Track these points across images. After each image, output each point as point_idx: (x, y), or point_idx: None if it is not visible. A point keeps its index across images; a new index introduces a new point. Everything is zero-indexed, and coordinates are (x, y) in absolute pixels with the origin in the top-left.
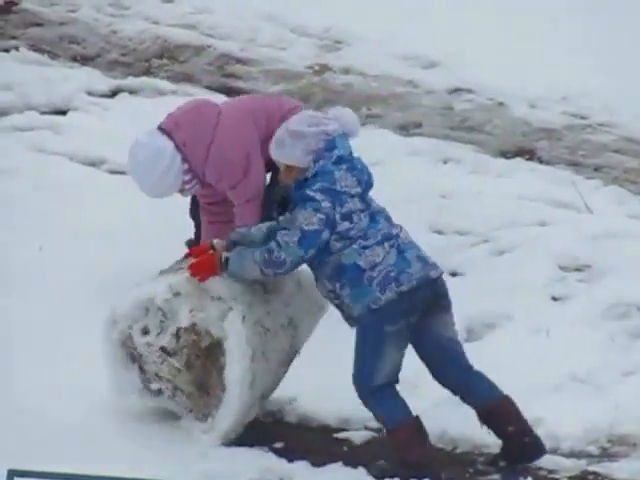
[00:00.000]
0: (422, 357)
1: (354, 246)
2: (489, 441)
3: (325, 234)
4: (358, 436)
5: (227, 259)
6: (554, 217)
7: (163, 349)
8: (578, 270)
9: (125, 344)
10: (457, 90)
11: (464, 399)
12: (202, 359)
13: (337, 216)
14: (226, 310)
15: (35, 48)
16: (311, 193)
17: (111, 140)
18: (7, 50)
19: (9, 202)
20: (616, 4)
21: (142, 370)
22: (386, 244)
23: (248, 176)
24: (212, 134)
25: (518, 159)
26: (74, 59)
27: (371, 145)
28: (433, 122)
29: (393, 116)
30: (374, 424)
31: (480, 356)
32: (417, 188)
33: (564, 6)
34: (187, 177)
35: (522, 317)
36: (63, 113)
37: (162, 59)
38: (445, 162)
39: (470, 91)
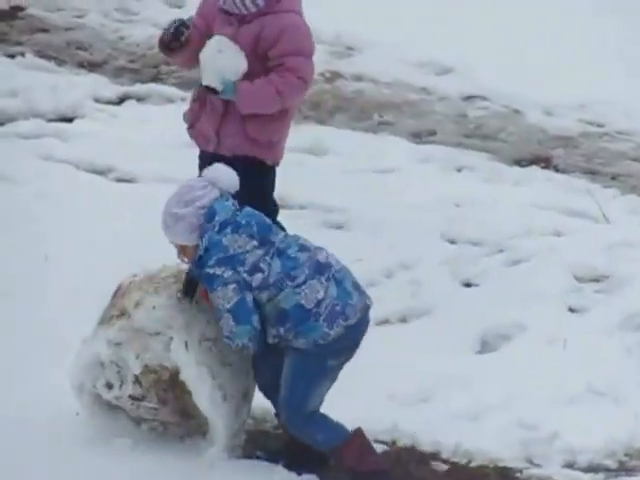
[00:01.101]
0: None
1: (286, 290)
2: (504, 454)
3: (248, 297)
4: None
5: None
6: (570, 226)
7: (132, 397)
8: (595, 281)
9: (99, 400)
10: (471, 97)
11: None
12: (171, 390)
13: (245, 275)
14: (168, 341)
15: (41, 54)
16: (210, 271)
17: (119, 148)
18: (12, 56)
19: (14, 210)
20: (634, 6)
21: (127, 414)
22: (322, 278)
23: (309, 61)
24: (302, 15)
25: (533, 167)
26: (81, 65)
27: (383, 153)
28: (447, 129)
29: (406, 123)
30: (385, 437)
31: (495, 368)
32: (430, 196)
33: (581, 11)
34: None
35: (538, 328)
36: (69, 120)
37: (171, 65)
38: (459, 170)
39: (484, 98)
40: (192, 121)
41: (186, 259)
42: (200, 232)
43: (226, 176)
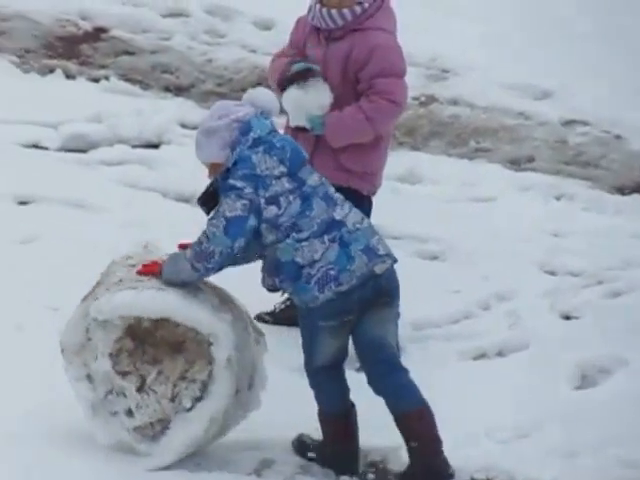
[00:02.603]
0: (355, 351)
1: (288, 240)
2: None
3: (251, 220)
4: None
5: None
6: None
7: (140, 390)
8: None
9: (146, 434)
10: (571, 122)
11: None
12: (148, 347)
13: (262, 200)
14: (95, 322)
15: (126, 78)
16: (233, 182)
17: (206, 175)
18: (96, 80)
19: (96, 241)
20: None
21: (168, 421)
22: (325, 237)
23: (400, 81)
24: (395, 35)
25: (635, 195)
26: (167, 89)
27: (480, 180)
28: (545, 156)
29: (503, 150)
30: (480, 475)
31: (594, 403)
32: (528, 226)
33: None
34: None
35: (639, 362)
36: (155, 146)
37: None
38: (558, 198)
39: (585, 123)
40: None
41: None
42: (232, 148)
43: (265, 96)
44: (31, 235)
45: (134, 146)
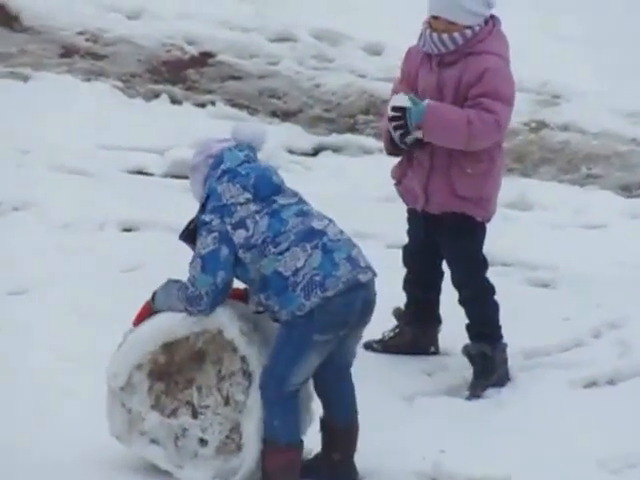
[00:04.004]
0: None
1: (269, 257)
2: None
3: (224, 250)
4: None
5: (154, 294)
6: None
7: (195, 413)
8: None
9: (230, 449)
10: None
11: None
12: (176, 375)
13: (229, 227)
14: (117, 391)
15: (232, 103)
16: (203, 217)
17: (313, 201)
18: (203, 105)
19: None
20: None
21: (239, 425)
22: (307, 245)
23: (507, 107)
24: (507, 60)
25: None
26: (274, 114)
27: (591, 207)
28: None
29: (615, 176)
30: None
31: None
32: None
33: None
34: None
35: None
36: None
37: (368, 115)
38: None
39: None
40: (399, 177)
41: None
42: (205, 184)
43: (247, 128)
44: (136, 262)
45: None
